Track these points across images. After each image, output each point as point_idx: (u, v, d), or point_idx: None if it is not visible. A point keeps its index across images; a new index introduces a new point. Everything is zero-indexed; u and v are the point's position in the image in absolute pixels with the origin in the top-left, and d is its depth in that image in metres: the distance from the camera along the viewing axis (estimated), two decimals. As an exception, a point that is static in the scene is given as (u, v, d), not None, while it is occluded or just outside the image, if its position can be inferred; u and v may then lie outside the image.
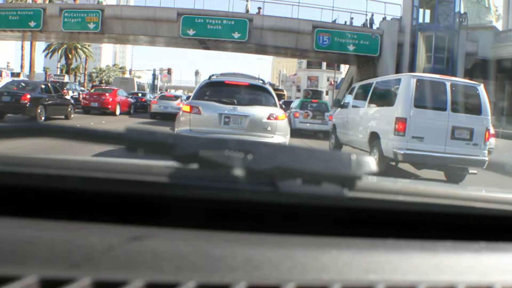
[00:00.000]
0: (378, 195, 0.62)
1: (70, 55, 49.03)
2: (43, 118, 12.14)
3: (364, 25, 24.00)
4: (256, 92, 6.01)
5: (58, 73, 49.71)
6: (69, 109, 14.09)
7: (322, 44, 22.84)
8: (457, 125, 6.52)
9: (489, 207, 0.66)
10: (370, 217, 0.62)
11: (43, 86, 12.96)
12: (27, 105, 11.59)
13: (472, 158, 6.54)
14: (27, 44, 36.45)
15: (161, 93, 28.46)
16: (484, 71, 20.68)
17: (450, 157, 6.49)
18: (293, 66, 66.59)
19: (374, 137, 7.22)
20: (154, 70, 62.77)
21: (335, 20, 24.49)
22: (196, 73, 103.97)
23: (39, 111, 11.96)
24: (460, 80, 7.72)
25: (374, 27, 24.00)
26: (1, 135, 0.60)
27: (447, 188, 0.81)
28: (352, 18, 24.69)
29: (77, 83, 36.77)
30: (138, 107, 22.23)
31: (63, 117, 13.77)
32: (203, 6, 24.20)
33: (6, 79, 19.05)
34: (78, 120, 14.05)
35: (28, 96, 11.68)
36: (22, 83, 13.50)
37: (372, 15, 24.18)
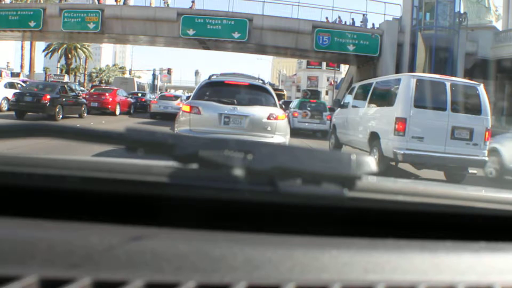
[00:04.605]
0: (378, 195, 0.62)
1: (70, 55, 49.01)
2: (60, 116, 13.27)
3: (363, 21, 24.10)
4: (256, 92, 6.00)
5: (58, 73, 49.71)
6: (83, 109, 15.15)
7: (322, 44, 22.83)
8: (457, 125, 6.52)
9: (489, 207, 0.66)
10: (370, 217, 0.62)
11: (60, 87, 14.06)
12: (47, 104, 12.73)
13: (472, 158, 6.54)
14: (27, 44, 36.46)
15: (161, 93, 28.44)
16: (484, 71, 20.67)
17: (450, 157, 6.49)
18: (293, 66, 66.61)
19: (374, 137, 7.23)
20: (154, 70, 62.78)
21: (335, 21, 24.50)
22: (196, 73, 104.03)
23: (57, 110, 13.09)
24: (460, 80, 7.72)
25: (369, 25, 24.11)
26: (1, 135, 0.60)
27: (447, 188, 0.81)
28: (339, 17, 24.80)
29: (77, 83, 36.75)
30: (138, 107, 22.21)
31: (77, 115, 14.71)
32: (203, 6, 24.22)
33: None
34: (79, 120, 14.08)
35: (48, 96, 12.80)
36: (41, 85, 14.66)
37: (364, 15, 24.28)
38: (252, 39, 23.04)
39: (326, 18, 24.32)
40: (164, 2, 24.74)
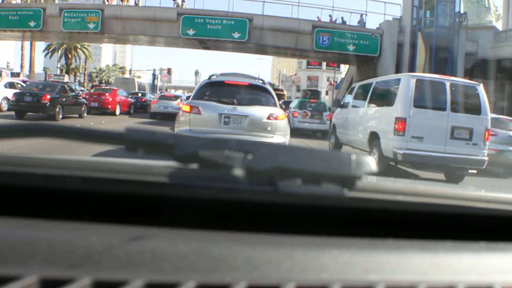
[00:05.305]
0: (378, 195, 0.62)
1: (70, 55, 49.02)
2: (60, 116, 13.28)
3: (360, 21, 24.12)
4: (256, 92, 6.00)
5: (58, 73, 49.72)
6: (83, 109, 15.15)
7: (322, 44, 22.83)
8: (457, 125, 6.52)
9: (489, 207, 0.66)
10: (370, 217, 0.62)
11: (60, 87, 14.08)
12: (47, 104, 12.74)
13: (472, 158, 6.54)
14: (27, 44, 36.45)
15: (161, 93, 28.44)
16: (484, 71, 20.67)
17: (449, 157, 6.50)
18: (293, 66, 66.60)
19: (373, 137, 7.23)
20: (154, 70, 62.77)
21: (335, 20, 24.52)
22: (196, 73, 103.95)
23: (57, 110, 13.11)
24: (459, 80, 7.73)
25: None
26: (1, 135, 0.60)
27: (447, 188, 0.81)
28: (330, 16, 24.88)
29: (77, 83, 36.75)
30: (138, 107, 22.21)
31: (77, 115, 14.71)
32: (203, 6, 24.23)
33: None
34: (79, 120, 14.08)
35: (48, 96, 12.83)
36: (41, 85, 14.68)
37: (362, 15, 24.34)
38: (252, 39, 23.04)
39: (318, 17, 24.39)
40: (174, 3, 24.72)
